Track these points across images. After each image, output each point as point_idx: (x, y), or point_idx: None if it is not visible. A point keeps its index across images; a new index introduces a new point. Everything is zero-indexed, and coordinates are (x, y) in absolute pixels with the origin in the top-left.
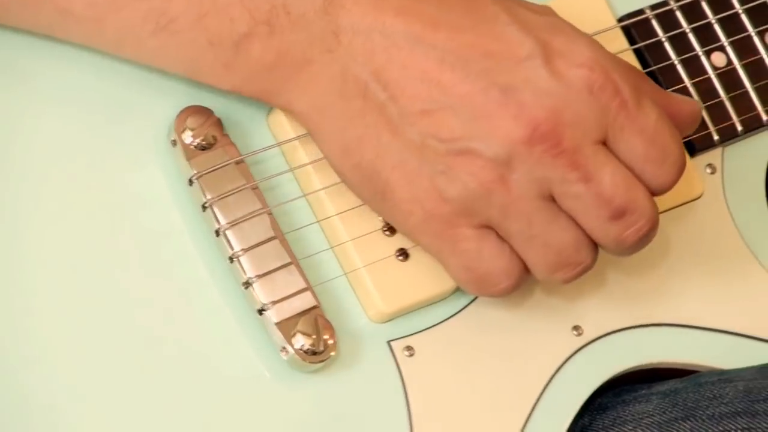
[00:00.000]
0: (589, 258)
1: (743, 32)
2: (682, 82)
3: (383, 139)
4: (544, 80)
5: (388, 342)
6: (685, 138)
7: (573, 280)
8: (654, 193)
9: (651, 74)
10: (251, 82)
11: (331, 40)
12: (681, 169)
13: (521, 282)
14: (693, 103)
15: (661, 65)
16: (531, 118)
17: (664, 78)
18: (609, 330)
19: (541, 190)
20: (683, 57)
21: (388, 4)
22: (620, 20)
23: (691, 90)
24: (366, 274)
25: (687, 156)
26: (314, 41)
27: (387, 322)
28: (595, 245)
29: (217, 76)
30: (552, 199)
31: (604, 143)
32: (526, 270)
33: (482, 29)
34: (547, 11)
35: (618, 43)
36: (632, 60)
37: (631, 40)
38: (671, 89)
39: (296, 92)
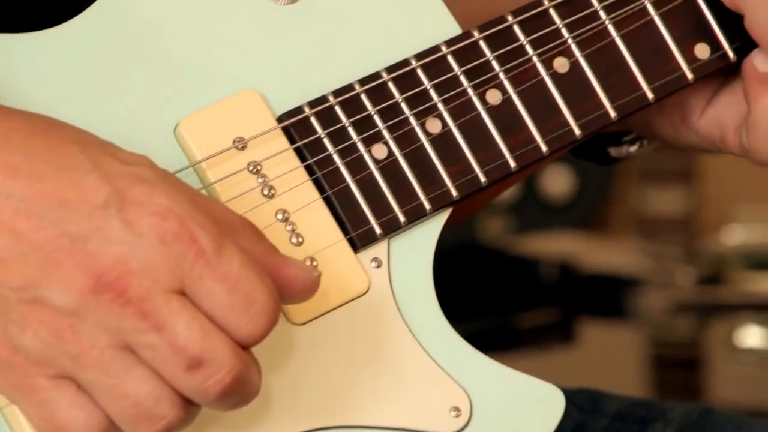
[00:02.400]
0: (172, 412)
1: (402, 120)
2: (343, 177)
3: None
4: (114, 229)
5: None
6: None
7: None
8: (244, 343)
9: (309, 168)
10: None
11: None
12: (270, 316)
13: None
14: (308, 271)
15: (321, 162)
16: (95, 267)
17: (325, 175)
18: None
19: (114, 339)
20: (344, 153)
21: None
22: (280, 120)
23: (353, 186)
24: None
25: (352, 255)
26: None
27: None
28: (182, 398)
29: None
30: (131, 349)
31: (184, 293)
32: (112, 424)
33: (62, 177)
34: (139, 161)
35: (278, 144)
36: (293, 159)
37: (292, 139)
38: (334, 188)
39: None
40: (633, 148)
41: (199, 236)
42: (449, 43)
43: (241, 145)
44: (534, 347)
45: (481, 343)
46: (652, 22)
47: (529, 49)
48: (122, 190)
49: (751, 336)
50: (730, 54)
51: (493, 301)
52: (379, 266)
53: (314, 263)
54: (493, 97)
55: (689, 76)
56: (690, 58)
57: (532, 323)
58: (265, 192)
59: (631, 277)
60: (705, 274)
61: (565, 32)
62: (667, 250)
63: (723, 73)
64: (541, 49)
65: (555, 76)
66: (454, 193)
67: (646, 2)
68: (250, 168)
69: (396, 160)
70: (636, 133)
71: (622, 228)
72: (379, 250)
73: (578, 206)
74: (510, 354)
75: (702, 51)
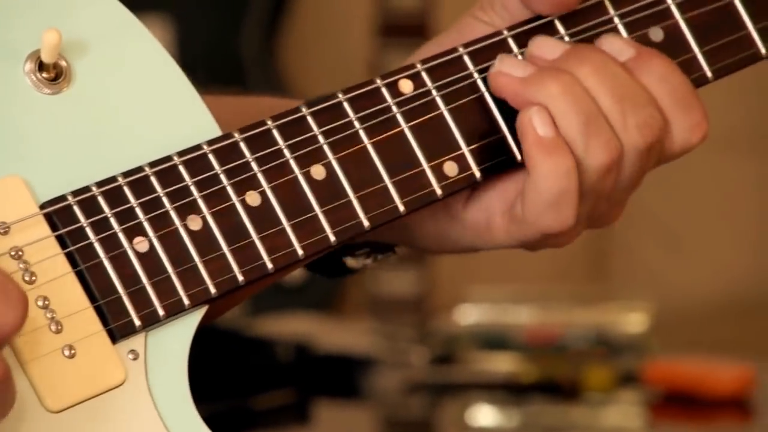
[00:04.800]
0: None
1: (165, 216)
2: (105, 270)
3: None
4: None
5: None
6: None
7: None
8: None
9: (72, 259)
10: None
11: None
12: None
13: None
14: None
15: (84, 254)
16: None
17: (88, 268)
18: None
19: None
20: (107, 246)
21: None
22: (42, 207)
23: (115, 279)
24: None
25: (110, 346)
26: None
27: None
28: None
29: None
30: None
31: None
32: None
33: None
34: None
35: (41, 230)
36: (55, 247)
37: (55, 227)
38: (96, 280)
39: None
40: (368, 261)
41: None
42: (210, 142)
43: (2, 229)
44: (270, 428)
45: (217, 426)
46: (405, 137)
47: (287, 153)
48: None
49: (482, 414)
50: (477, 174)
51: (229, 382)
52: (136, 358)
53: (72, 352)
54: (253, 199)
55: (438, 192)
56: (439, 175)
57: (268, 404)
58: (26, 278)
59: (365, 357)
60: (438, 354)
61: (322, 139)
62: (401, 331)
63: None
64: (299, 155)
65: (312, 183)
66: (212, 290)
67: (402, 124)
68: (12, 253)
69: (158, 255)
70: (393, 242)
71: (356, 309)
72: (137, 342)
73: (313, 288)
74: None
75: (450, 169)
